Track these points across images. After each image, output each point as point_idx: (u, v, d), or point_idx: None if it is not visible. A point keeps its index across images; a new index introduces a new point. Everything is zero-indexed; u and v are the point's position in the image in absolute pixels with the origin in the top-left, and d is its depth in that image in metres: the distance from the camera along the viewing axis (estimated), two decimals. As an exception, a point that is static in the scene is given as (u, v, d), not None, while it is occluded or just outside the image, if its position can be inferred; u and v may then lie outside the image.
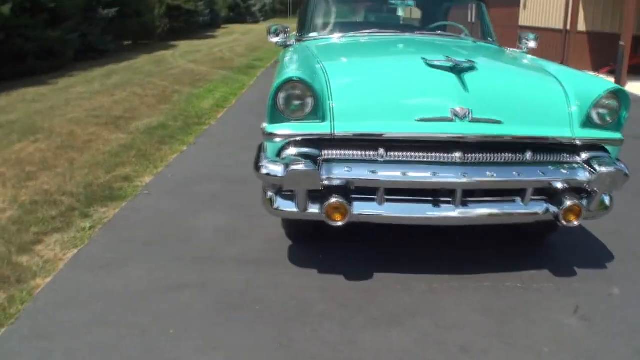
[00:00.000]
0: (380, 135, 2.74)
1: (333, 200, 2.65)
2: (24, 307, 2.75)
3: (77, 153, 5.32)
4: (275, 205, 2.82)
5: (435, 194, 2.81)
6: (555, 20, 13.64)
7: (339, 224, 2.71)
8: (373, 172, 2.69)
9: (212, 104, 7.94)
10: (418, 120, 2.73)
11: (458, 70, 2.83)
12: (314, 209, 2.75)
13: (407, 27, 4.40)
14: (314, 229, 3.26)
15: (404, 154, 2.75)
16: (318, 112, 2.74)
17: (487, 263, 3.21)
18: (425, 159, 2.75)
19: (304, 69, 2.94)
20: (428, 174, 2.70)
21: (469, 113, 2.71)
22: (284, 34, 4.00)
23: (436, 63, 2.86)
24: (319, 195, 2.73)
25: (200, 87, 9.36)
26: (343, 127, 2.72)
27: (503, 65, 3.37)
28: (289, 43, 4.03)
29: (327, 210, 2.68)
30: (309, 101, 2.73)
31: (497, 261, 3.24)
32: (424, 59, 2.93)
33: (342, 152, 2.75)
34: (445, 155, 2.74)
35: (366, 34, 3.99)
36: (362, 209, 2.76)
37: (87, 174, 4.70)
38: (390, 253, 3.31)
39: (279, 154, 2.76)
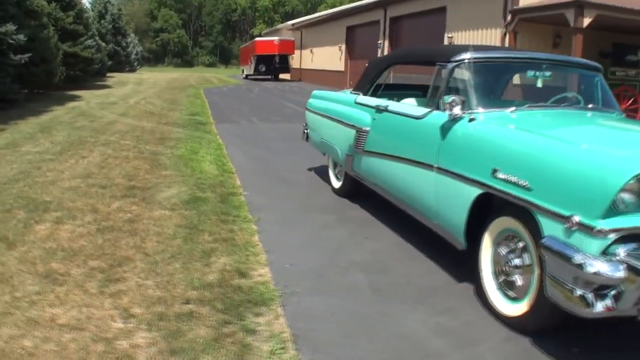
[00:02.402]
0: None
1: None
2: None
3: (135, 238, 4.19)
4: (595, 308, 2.51)
5: None
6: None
7: None
8: None
9: (216, 168, 6.98)
10: None
11: None
12: (626, 305, 2.54)
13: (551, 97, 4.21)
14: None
15: None
16: None
17: None
18: None
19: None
20: None
21: None
22: (462, 104, 3.55)
23: None
24: None
25: (175, 147, 8.25)
26: None
27: None
28: (459, 114, 3.58)
29: None
30: None
31: None
32: None
33: None
34: None
35: (539, 108, 3.87)
36: None
37: (183, 269, 3.67)
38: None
39: (604, 251, 2.54)
